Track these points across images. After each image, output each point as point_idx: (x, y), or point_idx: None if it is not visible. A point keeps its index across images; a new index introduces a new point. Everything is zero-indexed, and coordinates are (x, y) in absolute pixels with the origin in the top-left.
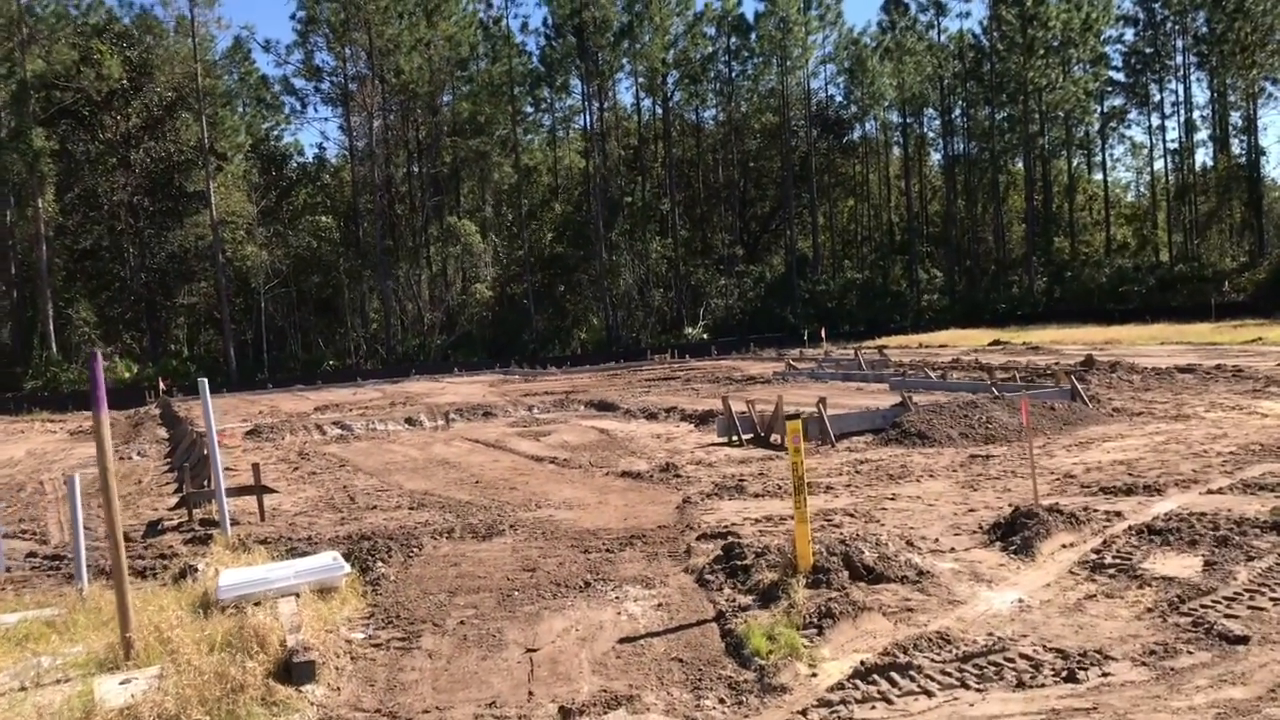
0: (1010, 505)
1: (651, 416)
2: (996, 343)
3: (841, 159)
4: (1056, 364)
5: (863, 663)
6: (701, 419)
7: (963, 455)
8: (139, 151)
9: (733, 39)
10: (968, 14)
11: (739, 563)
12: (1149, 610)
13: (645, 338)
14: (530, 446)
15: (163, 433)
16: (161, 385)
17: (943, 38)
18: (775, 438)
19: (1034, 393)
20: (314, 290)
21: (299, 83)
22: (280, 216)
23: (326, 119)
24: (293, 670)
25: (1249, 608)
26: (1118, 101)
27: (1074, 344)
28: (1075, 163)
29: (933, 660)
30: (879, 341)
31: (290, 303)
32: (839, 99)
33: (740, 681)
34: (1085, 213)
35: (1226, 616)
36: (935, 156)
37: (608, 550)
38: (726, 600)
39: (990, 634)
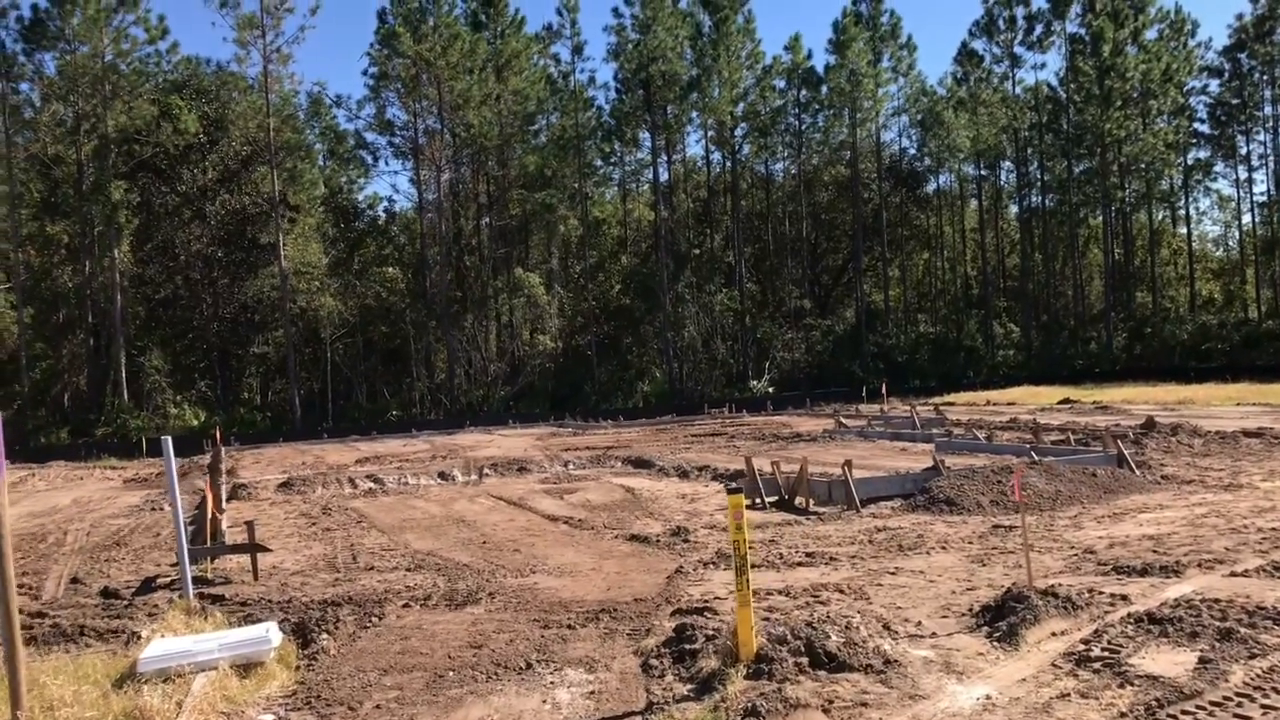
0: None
1: (684, 475)
2: (1066, 401)
3: (916, 211)
4: (1116, 425)
5: None
6: (732, 478)
7: (987, 525)
8: (214, 204)
9: (802, 91)
10: (1043, 65)
11: (688, 646)
12: (1121, 715)
13: (709, 391)
14: (551, 505)
15: (201, 484)
16: (217, 435)
17: (1017, 89)
18: (800, 501)
19: (1078, 458)
20: (381, 341)
21: (370, 136)
22: (350, 267)
23: (397, 172)
24: None
25: (1233, 715)
26: (1203, 154)
27: (1145, 403)
28: (1160, 216)
29: None
30: (948, 398)
31: (357, 353)
32: (912, 151)
33: None
34: (1170, 267)
35: None
36: (1013, 209)
37: (569, 626)
38: (663, 690)
39: None
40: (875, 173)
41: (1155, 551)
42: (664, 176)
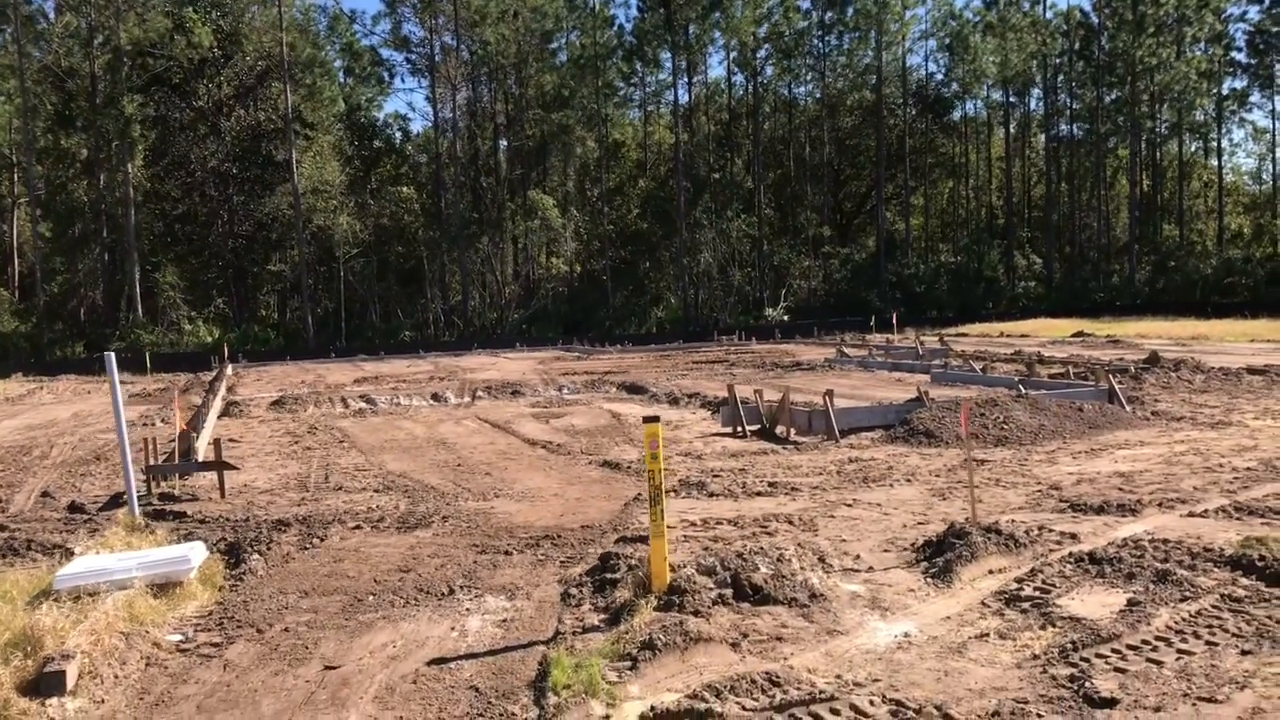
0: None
1: (674, 402)
2: (1079, 334)
3: (942, 139)
4: (1120, 360)
5: (653, 708)
6: (720, 406)
7: (960, 458)
8: (229, 120)
9: (827, 13)
10: None
11: (609, 576)
12: (1034, 658)
13: (724, 318)
14: (534, 429)
15: (199, 400)
16: (225, 352)
17: (1049, 14)
18: (781, 430)
19: (1067, 392)
20: (396, 261)
21: (386, 53)
22: (367, 186)
23: (413, 90)
24: (40, 680)
25: (1146, 660)
26: (1239, 84)
27: (1159, 338)
28: (1193, 147)
29: (739, 709)
30: (962, 329)
31: (372, 273)
32: (939, 76)
33: None
34: (1199, 201)
35: (1114, 670)
36: (1041, 138)
37: (506, 552)
38: (574, 620)
39: (838, 677)
40: (901, 98)
41: (1121, 489)
42: (684, 99)
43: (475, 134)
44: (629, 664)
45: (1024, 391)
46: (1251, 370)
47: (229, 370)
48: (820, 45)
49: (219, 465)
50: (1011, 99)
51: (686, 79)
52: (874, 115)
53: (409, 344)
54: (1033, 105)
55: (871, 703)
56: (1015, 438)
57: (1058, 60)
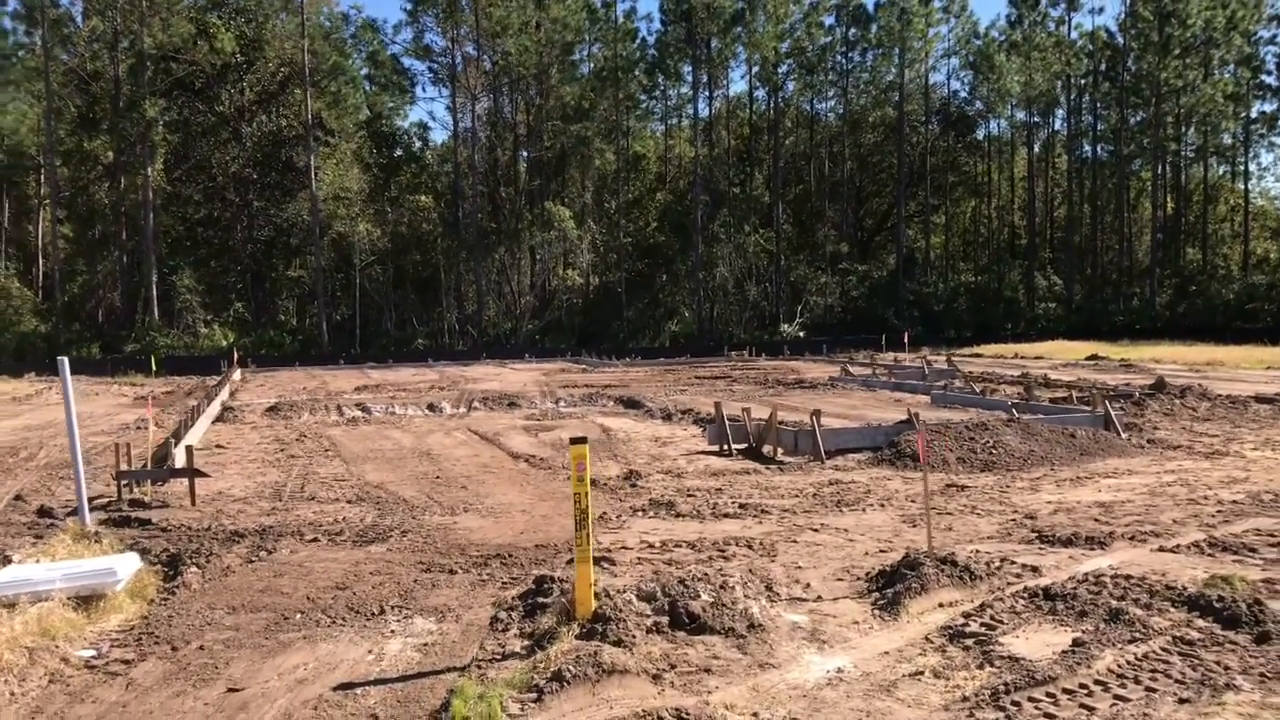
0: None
1: (667, 417)
2: (1093, 357)
3: (965, 157)
4: (1127, 385)
5: None
6: (710, 423)
7: (943, 483)
8: (251, 126)
9: (851, 29)
10: (1101, 9)
11: (541, 600)
12: (963, 700)
13: (739, 333)
14: (522, 442)
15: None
16: (235, 357)
17: (1074, 34)
18: (768, 449)
19: (1065, 417)
20: (413, 270)
21: (408, 62)
22: (386, 194)
23: (433, 99)
24: None
25: (1079, 706)
26: (1268, 107)
27: (1173, 363)
28: (1220, 170)
29: None
30: (977, 349)
31: (388, 281)
32: (963, 95)
33: None
34: (1225, 225)
35: (1043, 716)
36: (1064, 159)
37: (452, 571)
38: (496, 646)
39: (755, 715)
40: (923, 116)
41: (1097, 520)
42: (705, 113)
43: (495, 144)
44: (535, 695)
45: (1016, 416)
46: (1260, 399)
47: (236, 375)
48: (843, 61)
49: (190, 472)
50: (1035, 119)
51: (708, 93)
52: (896, 132)
53: (422, 353)
54: (1056, 125)
55: None
56: (1003, 463)
57: (1082, 81)
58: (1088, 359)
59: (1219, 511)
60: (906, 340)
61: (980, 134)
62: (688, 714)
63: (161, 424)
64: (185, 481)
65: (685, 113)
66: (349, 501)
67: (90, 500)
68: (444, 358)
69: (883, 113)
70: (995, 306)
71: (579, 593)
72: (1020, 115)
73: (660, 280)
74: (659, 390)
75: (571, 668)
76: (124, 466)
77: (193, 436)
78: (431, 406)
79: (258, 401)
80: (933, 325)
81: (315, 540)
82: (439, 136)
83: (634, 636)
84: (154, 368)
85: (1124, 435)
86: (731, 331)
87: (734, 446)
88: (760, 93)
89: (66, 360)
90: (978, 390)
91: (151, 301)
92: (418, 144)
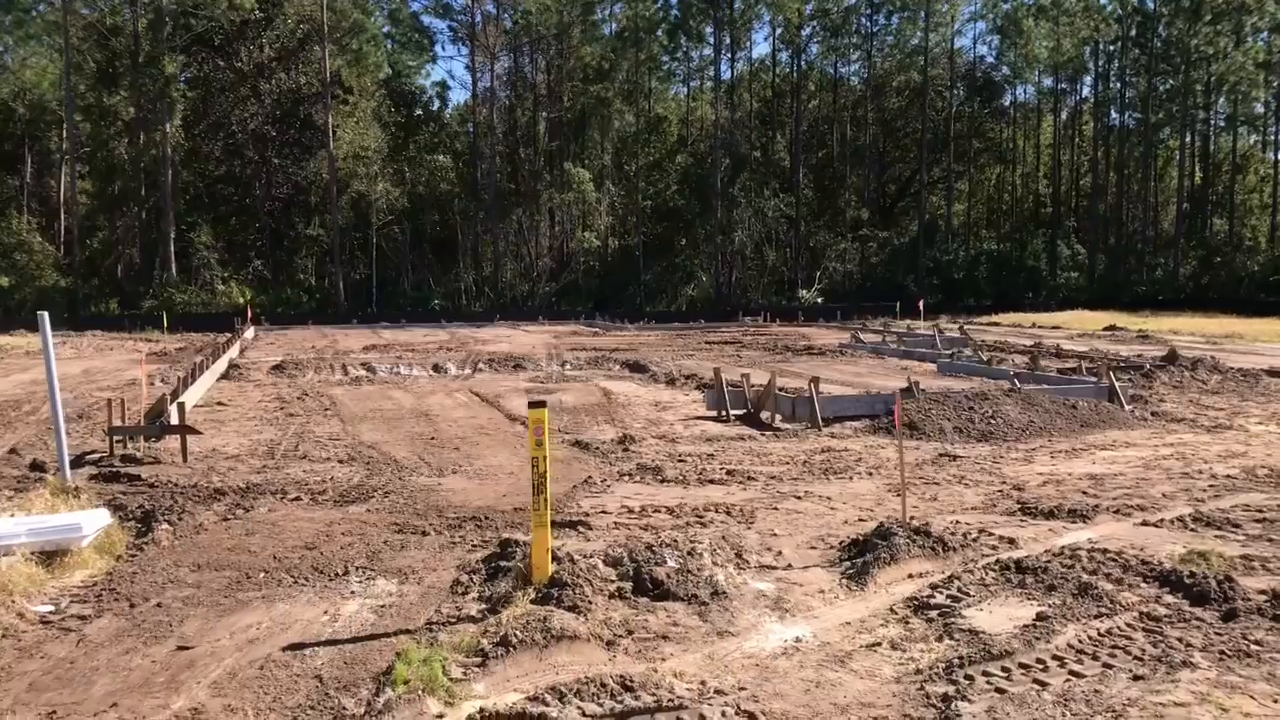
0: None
1: (671, 382)
2: (1111, 328)
3: (990, 124)
4: (1139, 356)
5: (482, 710)
6: (711, 387)
7: (935, 452)
8: (270, 83)
9: None
10: None
11: (504, 564)
12: (917, 673)
13: (756, 298)
14: (520, 405)
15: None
16: (249, 314)
17: None
18: (766, 416)
19: (1065, 388)
20: (431, 230)
21: (427, 19)
22: (404, 154)
23: (453, 58)
24: None
25: (1032, 681)
26: None
27: (1192, 335)
28: (1251, 139)
29: (578, 714)
30: (995, 318)
31: (406, 241)
32: (989, 60)
33: (345, 716)
34: (1254, 195)
35: (994, 691)
36: (1091, 127)
37: (424, 533)
38: (452, 609)
39: (703, 683)
40: (949, 81)
41: (1085, 493)
42: (727, 75)
43: (514, 104)
44: (479, 660)
45: (1017, 386)
46: (1272, 372)
47: (249, 333)
48: (868, 24)
49: (182, 429)
50: (1063, 85)
51: (730, 55)
52: (921, 97)
53: (437, 313)
54: (1084, 92)
55: (723, 714)
56: (1000, 433)
57: (1111, 47)
58: (1105, 329)
59: (1211, 486)
60: (921, 308)
61: (1006, 100)
62: (632, 681)
63: (167, 380)
64: (180, 438)
65: (707, 75)
66: (340, 461)
67: (84, 455)
68: (459, 319)
69: (907, 77)
70: (1016, 275)
71: (535, 557)
72: (1047, 82)
73: (679, 244)
74: (667, 355)
75: (519, 633)
76: (117, 422)
77: (194, 393)
78: (437, 367)
79: (265, 359)
80: (952, 293)
81: (297, 499)
82: (458, 97)
83: (591, 602)
84: (165, 325)
85: (1127, 407)
86: (749, 297)
87: (732, 412)
88: (783, 55)
89: (46, 315)
90: (985, 359)
91: (169, 258)
92: (436, 103)
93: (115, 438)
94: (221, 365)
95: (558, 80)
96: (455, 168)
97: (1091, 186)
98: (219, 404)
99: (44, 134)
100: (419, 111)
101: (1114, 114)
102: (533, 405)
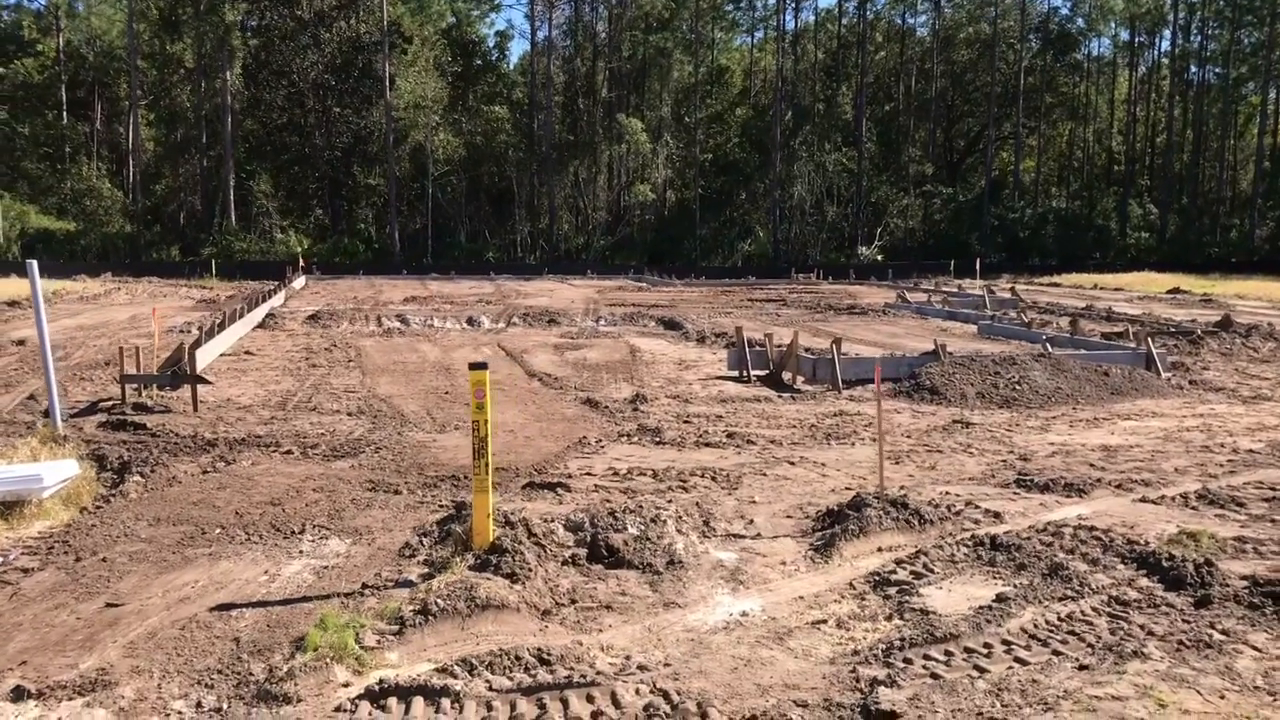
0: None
1: (701, 340)
2: (1175, 291)
3: (1064, 78)
4: (1193, 321)
5: (381, 681)
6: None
7: (950, 419)
8: (330, 31)
9: None
10: None
11: (455, 528)
12: (854, 654)
13: (815, 254)
14: (545, 360)
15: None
16: (300, 263)
17: None
18: (787, 376)
19: (1100, 354)
20: (488, 182)
21: None
22: (464, 104)
23: (512, 6)
24: None
25: (972, 668)
26: None
27: (1259, 299)
28: None
29: (485, 689)
30: (1057, 279)
31: (462, 192)
32: (1064, 11)
33: (250, 682)
34: None
35: (928, 677)
36: (1168, 82)
37: (397, 491)
38: (394, 572)
39: (628, 658)
40: (1020, 33)
41: (1093, 465)
42: (791, 25)
43: (574, 54)
44: (397, 629)
45: (1048, 351)
46: None
47: (299, 282)
48: None
49: (193, 379)
50: (1140, 38)
51: (795, 4)
52: (990, 50)
53: (489, 265)
54: (1163, 46)
55: (637, 691)
56: (1024, 400)
57: None
58: (1169, 292)
59: (1230, 460)
60: (979, 267)
61: (1080, 54)
62: (550, 654)
63: (189, 329)
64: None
65: (771, 25)
66: (349, 414)
67: (98, 403)
68: (511, 271)
69: (977, 29)
70: (1085, 234)
71: (476, 523)
72: (1124, 34)
73: (737, 199)
74: (705, 312)
75: (441, 601)
76: (130, 370)
77: (223, 342)
78: (470, 320)
79: (305, 309)
80: (1017, 252)
81: (288, 453)
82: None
83: (531, 569)
84: (214, 271)
85: (1165, 375)
86: (808, 253)
87: (753, 373)
88: (850, 4)
89: (35, 264)
90: (1027, 322)
91: (229, 206)
92: (496, 54)
93: (129, 386)
94: (259, 314)
95: (618, 29)
96: (513, 118)
97: (1167, 144)
98: (247, 353)
99: (113, 81)
100: (478, 61)
101: (1193, 68)
102: (473, 366)
